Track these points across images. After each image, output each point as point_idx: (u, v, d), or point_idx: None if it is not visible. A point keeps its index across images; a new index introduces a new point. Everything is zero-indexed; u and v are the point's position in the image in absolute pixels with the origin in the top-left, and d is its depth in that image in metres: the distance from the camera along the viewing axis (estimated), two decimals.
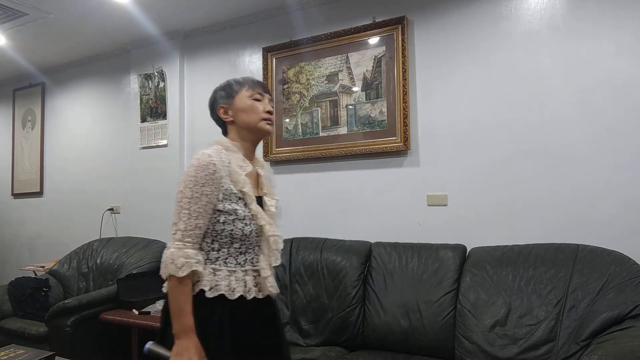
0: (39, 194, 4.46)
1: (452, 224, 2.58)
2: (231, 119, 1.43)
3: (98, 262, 3.51)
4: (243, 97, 1.42)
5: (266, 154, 3.13)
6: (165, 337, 1.32)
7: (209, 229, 1.30)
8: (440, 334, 2.22)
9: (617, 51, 2.24)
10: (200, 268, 1.26)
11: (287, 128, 3.11)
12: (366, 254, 2.59)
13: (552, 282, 2.08)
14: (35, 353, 1.87)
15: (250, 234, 1.33)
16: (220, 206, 1.29)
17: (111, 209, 3.91)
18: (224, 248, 1.32)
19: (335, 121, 2.95)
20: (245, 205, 1.33)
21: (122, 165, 3.88)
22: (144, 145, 3.69)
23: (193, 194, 1.26)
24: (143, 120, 3.71)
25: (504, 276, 2.20)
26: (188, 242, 1.25)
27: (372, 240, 2.66)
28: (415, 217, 2.69)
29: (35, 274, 3.77)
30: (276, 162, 3.14)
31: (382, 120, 2.78)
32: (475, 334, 2.12)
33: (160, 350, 1.28)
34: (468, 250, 2.43)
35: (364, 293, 2.49)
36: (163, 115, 3.61)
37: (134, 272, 3.17)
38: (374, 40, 2.83)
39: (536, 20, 2.42)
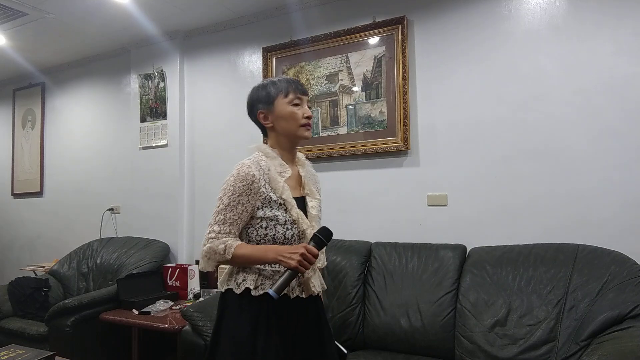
0: (39, 194, 4.46)
1: (452, 224, 2.58)
2: (271, 124, 1.44)
3: (98, 262, 3.51)
4: (282, 104, 1.42)
5: None
6: (214, 354, 1.39)
7: (253, 233, 1.38)
8: (440, 334, 2.22)
9: (617, 51, 2.24)
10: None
11: None
12: (366, 254, 2.59)
13: (552, 282, 2.09)
14: (35, 353, 1.86)
15: (292, 238, 1.38)
16: (260, 213, 1.36)
17: (111, 209, 3.91)
18: None
19: (335, 121, 2.95)
20: (286, 210, 1.37)
21: (122, 165, 3.88)
22: (144, 145, 3.69)
23: (230, 202, 1.33)
24: (143, 120, 3.71)
25: (504, 276, 2.20)
26: (221, 235, 1.34)
27: (372, 240, 2.67)
28: (415, 217, 2.69)
29: (35, 274, 3.77)
30: None
31: (382, 120, 2.78)
32: (475, 334, 2.12)
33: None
34: (468, 250, 2.43)
35: (364, 293, 2.49)
36: (163, 115, 3.61)
37: (134, 272, 3.17)
38: (374, 40, 2.83)
39: (536, 20, 2.42)
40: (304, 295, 1.39)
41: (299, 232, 1.38)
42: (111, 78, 4.03)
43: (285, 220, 1.36)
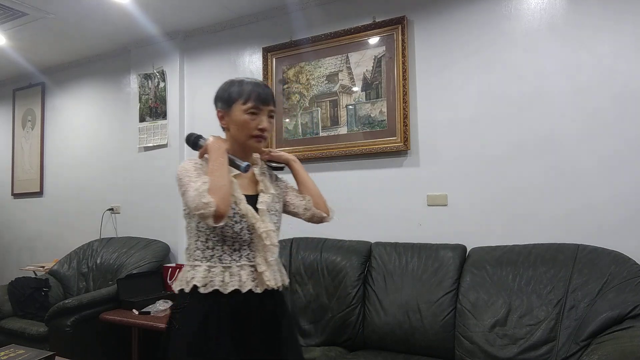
0: (39, 194, 4.45)
1: (452, 224, 2.58)
2: (226, 126, 1.45)
3: (98, 262, 3.51)
4: (239, 110, 1.39)
5: None
6: (167, 347, 1.37)
7: (202, 227, 1.36)
8: (440, 334, 2.22)
9: (617, 51, 2.24)
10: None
11: (287, 128, 3.11)
12: (366, 254, 2.59)
13: (552, 282, 2.08)
14: (35, 353, 1.86)
15: (241, 232, 1.36)
16: None
17: (111, 209, 3.91)
18: (218, 246, 1.36)
19: (335, 121, 2.95)
20: (236, 204, 1.35)
21: (122, 165, 3.88)
22: (144, 145, 3.69)
23: (190, 173, 1.36)
24: (142, 120, 3.71)
25: (504, 276, 2.20)
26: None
27: (372, 240, 2.66)
28: (415, 217, 2.69)
29: (35, 274, 3.77)
30: None
31: (382, 120, 2.78)
32: (475, 334, 2.12)
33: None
34: (468, 250, 2.43)
35: (364, 293, 2.49)
36: (163, 115, 3.61)
37: (134, 272, 3.17)
38: (374, 40, 2.83)
39: (536, 20, 2.42)
40: (258, 290, 1.36)
41: (248, 225, 1.36)
42: (111, 78, 4.03)
43: (234, 213, 1.34)
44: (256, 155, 1.53)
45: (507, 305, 2.11)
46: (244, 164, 1.37)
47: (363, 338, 2.42)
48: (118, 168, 3.91)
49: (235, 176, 1.39)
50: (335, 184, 2.93)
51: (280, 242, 2.81)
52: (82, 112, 4.23)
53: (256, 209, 1.39)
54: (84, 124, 4.20)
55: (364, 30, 2.85)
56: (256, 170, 1.50)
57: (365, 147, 2.81)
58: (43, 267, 3.84)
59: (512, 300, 2.12)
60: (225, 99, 1.43)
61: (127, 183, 3.80)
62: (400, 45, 2.72)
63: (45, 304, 3.19)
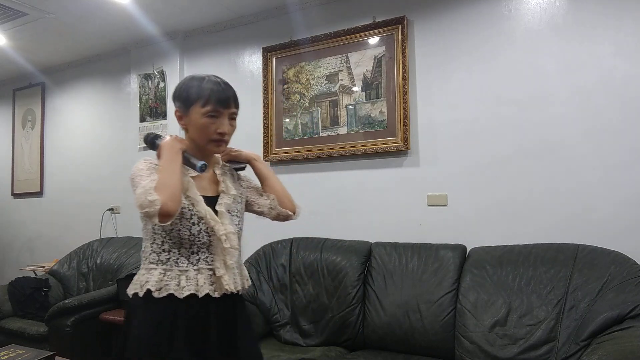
0: (39, 194, 4.46)
1: (452, 224, 2.58)
2: (185, 127, 1.39)
3: (98, 262, 3.51)
4: (197, 112, 1.32)
5: (266, 154, 3.13)
6: (127, 340, 1.33)
7: (158, 230, 1.31)
8: (440, 334, 2.22)
9: (616, 51, 2.24)
10: None
11: (287, 128, 3.11)
12: (366, 254, 2.59)
13: (552, 282, 2.09)
14: (35, 353, 1.87)
15: (199, 234, 1.30)
16: None
17: (111, 209, 3.91)
18: (174, 249, 1.31)
19: (335, 121, 2.95)
20: (193, 205, 1.30)
21: (122, 165, 3.87)
22: (144, 145, 3.69)
23: (142, 172, 1.30)
24: (142, 120, 3.71)
25: (504, 276, 2.20)
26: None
27: (372, 240, 2.67)
28: (415, 217, 2.69)
29: (35, 274, 3.77)
30: (276, 162, 3.14)
31: (382, 120, 2.78)
32: (475, 334, 2.12)
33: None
34: (468, 250, 2.43)
35: (364, 293, 2.49)
36: (163, 115, 3.61)
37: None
38: (374, 40, 2.83)
39: (536, 20, 2.42)
40: (216, 295, 1.31)
41: (206, 228, 1.31)
42: (111, 78, 4.03)
43: (191, 215, 1.29)
44: (217, 155, 1.46)
45: (507, 305, 2.12)
46: (199, 163, 1.30)
47: (363, 338, 2.42)
48: (118, 168, 3.90)
49: (195, 177, 1.34)
50: (335, 184, 2.94)
51: (281, 242, 2.84)
52: (82, 112, 4.23)
53: (216, 211, 1.34)
54: (84, 124, 4.20)
55: (364, 30, 2.84)
56: (217, 170, 1.44)
57: (365, 147, 2.81)
58: (43, 267, 3.84)
59: (512, 300, 2.12)
60: (184, 99, 1.35)
61: (127, 183, 3.78)
62: (400, 45, 2.72)
63: (45, 304, 3.19)
